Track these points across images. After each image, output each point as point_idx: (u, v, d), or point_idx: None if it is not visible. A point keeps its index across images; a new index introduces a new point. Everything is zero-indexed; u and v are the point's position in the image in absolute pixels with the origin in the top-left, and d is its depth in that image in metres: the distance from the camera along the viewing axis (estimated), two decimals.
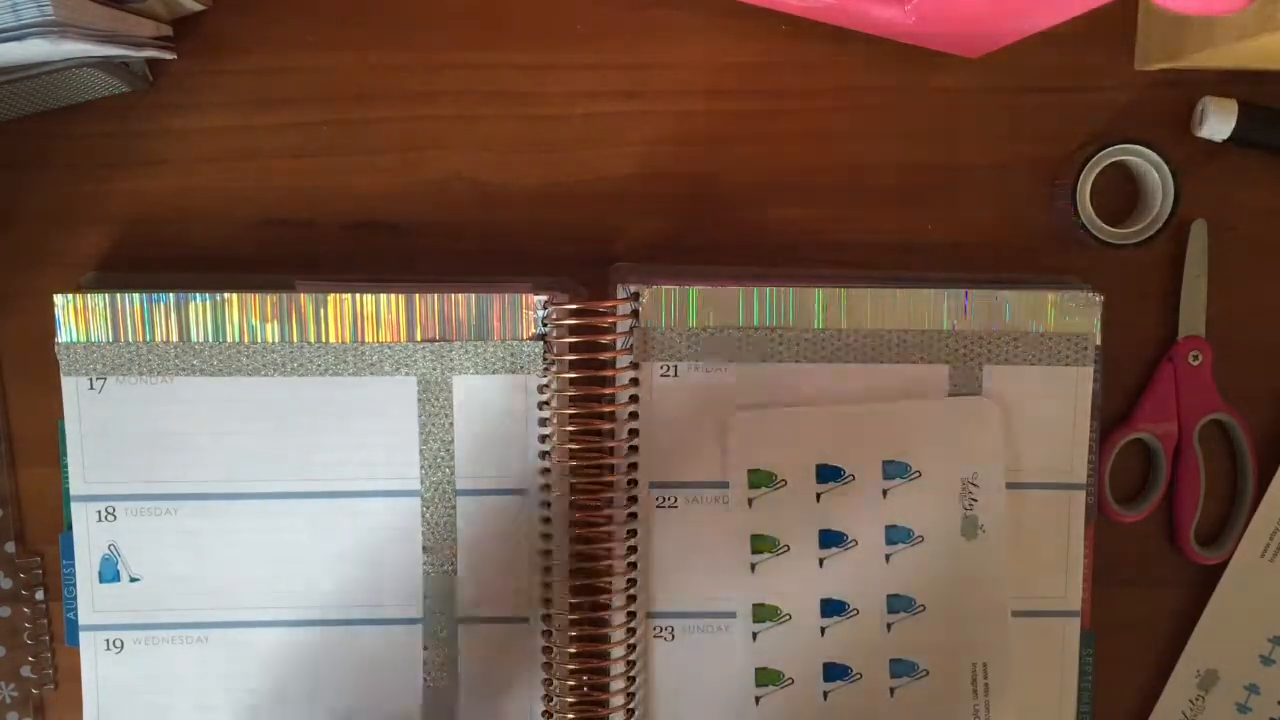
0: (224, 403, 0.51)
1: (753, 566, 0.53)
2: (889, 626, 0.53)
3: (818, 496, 0.53)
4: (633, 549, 0.52)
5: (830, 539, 0.53)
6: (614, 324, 0.52)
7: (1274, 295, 0.57)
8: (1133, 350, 0.56)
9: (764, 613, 0.53)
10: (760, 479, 0.53)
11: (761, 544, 0.53)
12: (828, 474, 0.53)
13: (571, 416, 0.52)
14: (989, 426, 0.52)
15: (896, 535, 0.53)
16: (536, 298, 0.52)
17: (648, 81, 0.55)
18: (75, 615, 0.52)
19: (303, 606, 0.53)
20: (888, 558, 0.53)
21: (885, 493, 0.53)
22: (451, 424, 0.52)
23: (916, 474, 0.53)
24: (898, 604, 0.53)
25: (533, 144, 0.55)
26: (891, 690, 0.53)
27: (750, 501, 0.53)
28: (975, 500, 0.53)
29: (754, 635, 0.53)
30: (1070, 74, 0.55)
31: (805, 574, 0.53)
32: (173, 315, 0.51)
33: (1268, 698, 0.57)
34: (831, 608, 0.53)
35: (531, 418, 0.52)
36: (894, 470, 0.53)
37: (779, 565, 0.53)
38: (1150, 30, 0.54)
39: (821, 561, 0.53)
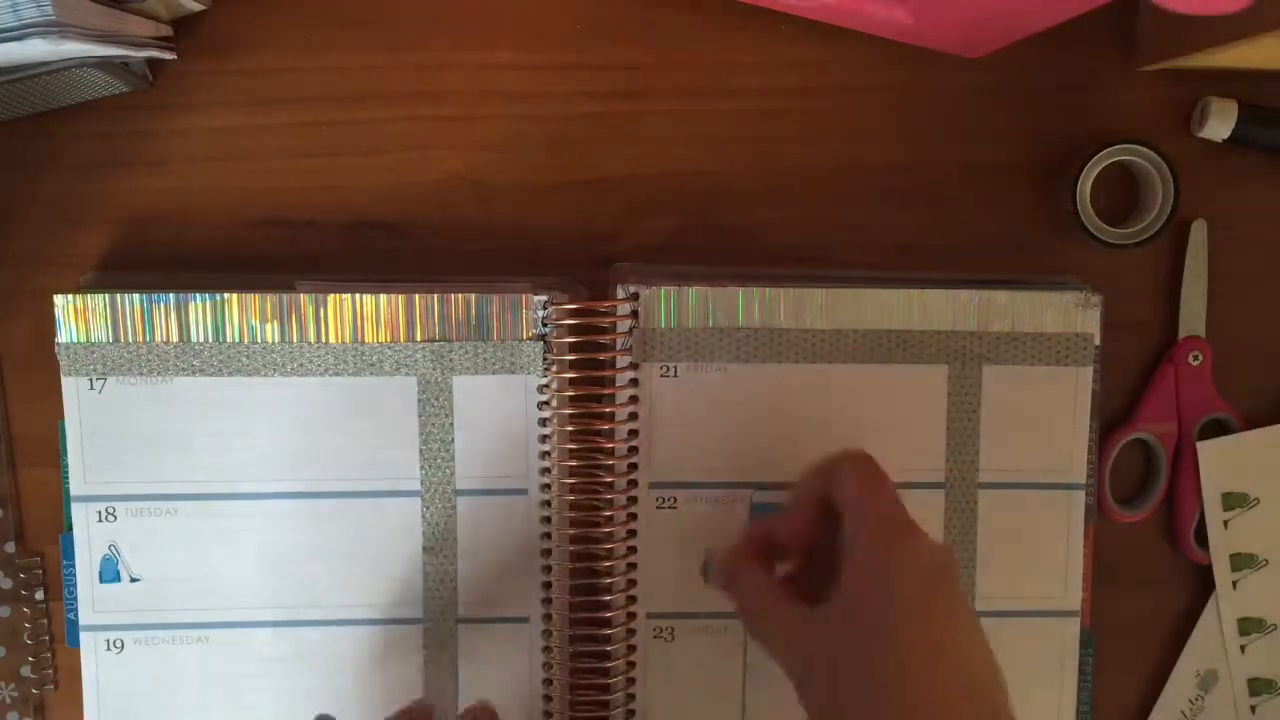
0: (224, 403, 0.51)
1: None
2: None
3: None
4: (632, 549, 0.53)
5: None
6: (614, 324, 0.52)
7: (1274, 295, 0.57)
8: (1133, 350, 0.56)
9: None
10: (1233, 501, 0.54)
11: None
12: None
13: (571, 416, 0.52)
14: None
15: None
16: (536, 298, 0.52)
17: (647, 81, 0.55)
18: (76, 616, 0.52)
19: (303, 606, 0.53)
20: None
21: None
22: (452, 424, 0.52)
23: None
24: None
25: (533, 144, 0.55)
26: None
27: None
28: None
29: None
30: (1070, 74, 0.55)
31: None
32: (173, 315, 0.51)
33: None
34: None
35: (531, 417, 0.52)
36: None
37: None
38: (1150, 30, 0.54)
39: None
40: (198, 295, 0.51)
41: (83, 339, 0.51)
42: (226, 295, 0.51)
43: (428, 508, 0.52)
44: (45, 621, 0.55)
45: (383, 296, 0.51)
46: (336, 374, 0.52)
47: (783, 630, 0.45)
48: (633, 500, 0.52)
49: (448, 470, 0.52)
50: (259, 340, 0.51)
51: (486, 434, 0.52)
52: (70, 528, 0.52)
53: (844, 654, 0.43)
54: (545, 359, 0.52)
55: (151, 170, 0.54)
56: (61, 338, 0.51)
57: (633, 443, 0.52)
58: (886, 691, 0.41)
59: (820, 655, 0.43)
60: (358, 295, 0.51)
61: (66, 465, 0.52)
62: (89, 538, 0.52)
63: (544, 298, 0.52)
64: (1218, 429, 0.57)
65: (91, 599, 0.52)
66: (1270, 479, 0.56)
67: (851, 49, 0.55)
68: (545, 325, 0.52)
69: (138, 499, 0.52)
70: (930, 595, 0.43)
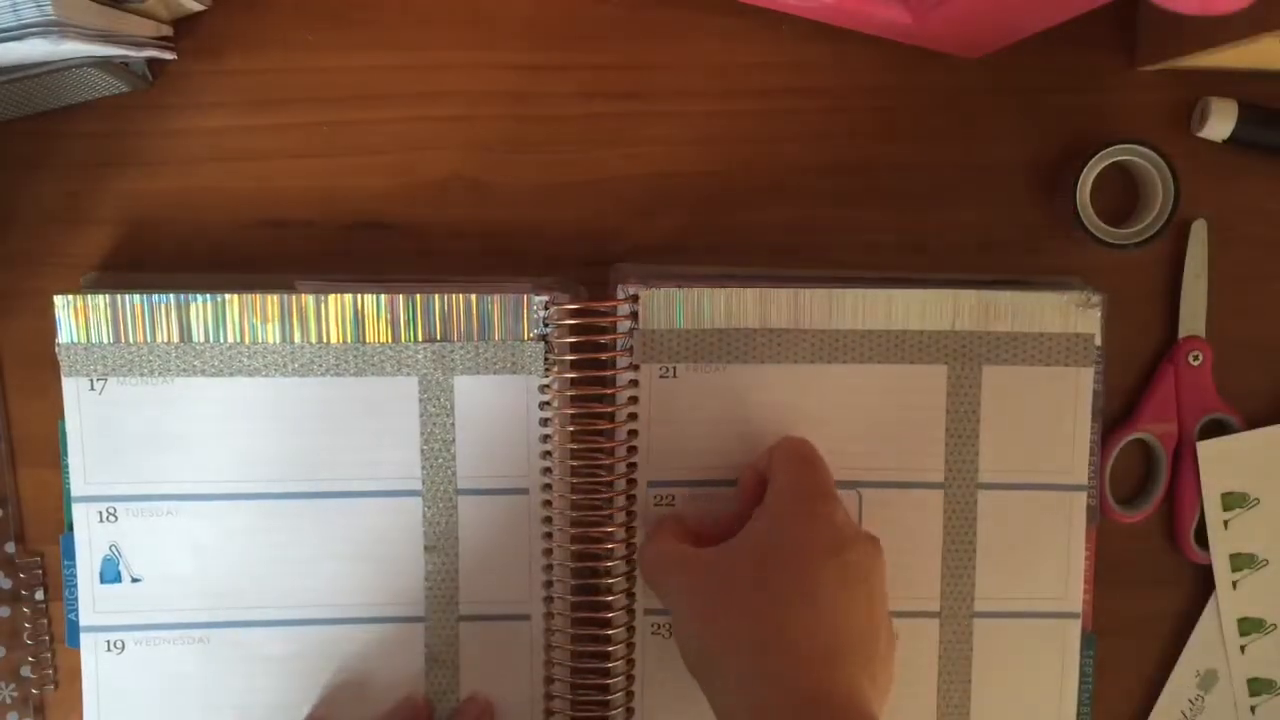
0: (224, 403, 0.51)
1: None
2: None
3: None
4: (631, 547, 0.53)
5: None
6: (614, 324, 0.52)
7: (1274, 295, 0.57)
8: (1133, 350, 0.56)
9: None
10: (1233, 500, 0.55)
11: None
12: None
13: (572, 416, 0.52)
14: None
15: None
16: (536, 298, 0.52)
17: (647, 81, 0.55)
18: (76, 616, 0.52)
19: (304, 606, 0.53)
20: None
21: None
22: (453, 424, 0.52)
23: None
24: None
25: (533, 144, 0.55)
26: None
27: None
28: None
29: None
30: (1070, 74, 0.55)
31: None
32: (173, 316, 0.51)
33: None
34: None
35: (532, 417, 0.52)
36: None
37: None
38: (1150, 30, 0.54)
39: None
40: (198, 295, 0.51)
41: (83, 339, 0.51)
42: (227, 295, 0.51)
43: (429, 507, 0.52)
44: (45, 621, 0.55)
45: (383, 296, 0.51)
46: (337, 374, 0.52)
47: (672, 564, 0.48)
48: (631, 499, 0.53)
49: (449, 470, 0.52)
50: (259, 340, 0.51)
51: (487, 434, 0.52)
52: (71, 528, 0.52)
53: (725, 587, 0.45)
54: (546, 359, 0.52)
55: (151, 170, 0.54)
56: (62, 338, 0.51)
57: (632, 443, 0.52)
58: (751, 628, 0.43)
59: (703, 585, 0.46)
60: (358, 295, 0.51)
61: (67, 465, 0.52)
62: (90, 538, 0.52)
63: (545, 298, 0.52)
64: (1218, 429, 0.57)
65: (92, 599, 0.52)
66: (1270, 479, 0.56)
67: (851, 49, 0.55)
68: (546, 325, 0.52)
69: (138, 499, 0.52)
70: (824, 560, 0.44)
